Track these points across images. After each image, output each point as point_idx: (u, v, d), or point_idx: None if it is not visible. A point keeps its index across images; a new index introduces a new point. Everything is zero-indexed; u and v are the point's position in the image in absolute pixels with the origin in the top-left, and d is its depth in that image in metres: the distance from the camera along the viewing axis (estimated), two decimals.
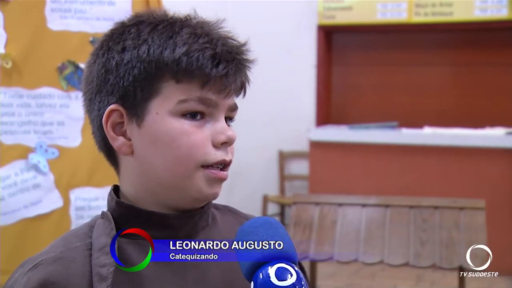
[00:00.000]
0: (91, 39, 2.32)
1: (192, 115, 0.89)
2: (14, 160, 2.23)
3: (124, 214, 0.92)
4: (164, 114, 0.89)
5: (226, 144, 0.91)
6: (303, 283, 0.80)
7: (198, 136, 0.89)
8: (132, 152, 0.92)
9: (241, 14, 5.02)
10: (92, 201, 2.33)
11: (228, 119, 0.94)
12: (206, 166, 0.90)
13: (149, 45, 0.89)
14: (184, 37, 0.89)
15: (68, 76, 2.30)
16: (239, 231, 0.86)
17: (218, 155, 0.90)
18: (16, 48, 2.21)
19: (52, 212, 2.28)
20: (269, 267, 0.81)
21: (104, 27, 2.40)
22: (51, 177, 2.28)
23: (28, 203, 2.25)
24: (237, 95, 0.94)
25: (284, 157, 5.66)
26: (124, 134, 0.92)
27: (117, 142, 0.92)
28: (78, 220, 2.31)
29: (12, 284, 0.89)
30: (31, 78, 2.25)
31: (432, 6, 5.13)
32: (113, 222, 0.90)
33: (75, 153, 2.31)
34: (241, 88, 0.93)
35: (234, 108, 0.94)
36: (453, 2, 5.07)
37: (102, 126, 0.92)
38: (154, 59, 0.89)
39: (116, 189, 0.97)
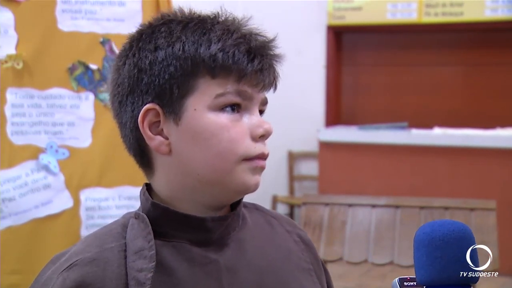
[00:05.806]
0: (101, 40, 2.33)
1: (229, 108, 0.89)
2: (25, 161, 2.24)
3: (159, 216, 0.91)
4: (202, 110, 0.89)
5: (264, 137, 0.92)
6: None
7: (238, 130, 0.89)
8: (170, 151, 0.90)
9: (251, 14, 5.01)
10: (102, 202, 2.34)
11: (260, 112, 0.94)
12: (247, 159, 0.90)
13: (183, 42, 0.89)
14: (217, 33, 0.90)
15: (78, 76, 2.30)
16: (421, 237, 0.79)
17: (257, 148, 0.91)
18: (27, 49, 2.22)
19: (62, 213, 2.29)
20: None
21: (114, 28, 2.42)
22: (61, 177, 2.28)
23: (38, 204, 2.25)
24: (269, 90, 0.95)
25: (293, 158, 5.65)
26: (160, 133, 0.90)
27: (155, 141, 0.90)
28: (88, 220, 2.31)
29: (46, 282, 0.87)
30: (42, 79, 2.26)
31: (442, 6, 5.11)
32: (150, 226, 0.89)
33: (85, 154, 2.31)
34: (273, 82, 0.94)
35: (265, 102, 0.95)
36: (464, 2, 5.04)
37: (136, 127, 0.90)
38: (190, 55, 0.88)
39: (146, 188, 0.95)
